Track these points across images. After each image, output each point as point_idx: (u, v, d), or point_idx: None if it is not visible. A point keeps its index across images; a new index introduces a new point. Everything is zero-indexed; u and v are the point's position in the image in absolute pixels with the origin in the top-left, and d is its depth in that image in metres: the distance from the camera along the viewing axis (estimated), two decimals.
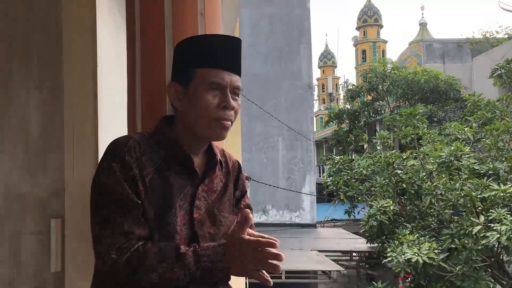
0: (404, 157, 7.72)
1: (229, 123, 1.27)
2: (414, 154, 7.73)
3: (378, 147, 18.79)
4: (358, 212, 8.82)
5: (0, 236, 1.70)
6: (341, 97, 40.55)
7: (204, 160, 1.36)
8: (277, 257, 1.13)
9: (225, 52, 1.27)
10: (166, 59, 1.51)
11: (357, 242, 11.89)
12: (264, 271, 1.17)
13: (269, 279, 1.18)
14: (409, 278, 12.22)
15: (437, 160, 6.27)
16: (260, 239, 1.16)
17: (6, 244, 1.70)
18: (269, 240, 1.16)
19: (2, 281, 1.68)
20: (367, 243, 9.36)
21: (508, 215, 5.10)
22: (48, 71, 1.75)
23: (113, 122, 1.79)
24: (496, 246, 5.74)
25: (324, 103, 46.29)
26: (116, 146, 1.27)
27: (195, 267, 1.15)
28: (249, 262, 1.14)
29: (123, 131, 1.77)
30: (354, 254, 11.70)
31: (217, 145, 1.44)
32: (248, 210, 1.20)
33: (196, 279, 1.16)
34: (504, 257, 6.64)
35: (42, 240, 1.69)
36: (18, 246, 1.69)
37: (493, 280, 6.31)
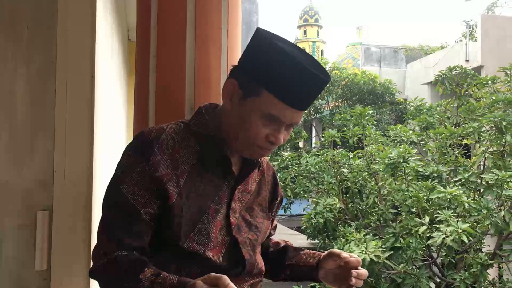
0: (351, 156, 7.88)
1: (269, 152, 1.16)
2: (359, 154, 7.90)
3: (315, 145, 19.16)
4: (304, 209, 8.91)
5: None
6: None
7: (240, 158, 1.24)
8: None
9: (304, 91, 1.07)
10: (187, 41, 1.37)
11: (296, 238, 12.02)
12: None
13: None
14: None
15: (385, 161, 6.43)
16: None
17: None
18: None
19: None
20: (307, 240, 9.48)
21: (453, 217, 5.33)
22: (39, 45, 1.55)
23: (114, 107, 1.61)
24: (438, 246, 5.99)
25: None
26: (144, 141, 1.10)
27: None
28: None
29: (128, 118, 1.61)
30: None
31: None
32: None
33: None
34: (440, 257, 6.96)
35: (27, 235, 1.50)
36: (0, 241, 1.48)
37: (426, 277, 6.58)
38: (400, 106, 17.66)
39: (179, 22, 1.37)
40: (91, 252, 1.11)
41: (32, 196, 1.51)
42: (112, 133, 1.75)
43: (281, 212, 12.04)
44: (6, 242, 1.49)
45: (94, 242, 1.55)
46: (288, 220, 19.66)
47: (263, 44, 1.08)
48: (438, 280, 7.29)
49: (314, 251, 1.40)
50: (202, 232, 1.10)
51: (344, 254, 1.25)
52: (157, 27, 1.39)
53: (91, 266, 1.10)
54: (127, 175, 1.07)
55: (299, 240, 11.43)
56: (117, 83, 1.73)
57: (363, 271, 1.23)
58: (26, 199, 1.51)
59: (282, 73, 1.05)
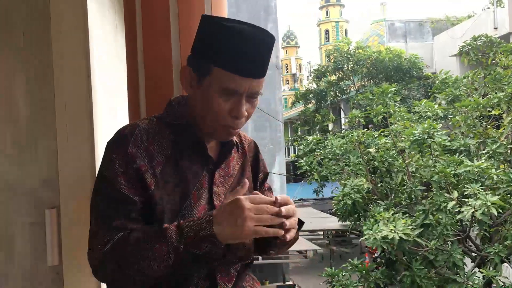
0: (376, 135, 7.80)
1: (237, 130, 1.19)
2: (385, 133, 7.81)
3: (343, 126, 19.02)
4: (332, 192, 8.89)
5: None
6: (305, 77, 40.78)
7: (219, 142, 1.27)
8: (278, 213, 1.05)
9: (251, 56, 1.10)
10: (171, 33, 1.40)
11: (328, 220, 12.05)
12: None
13: (277, 230, 1.05)
14: (375, 254, 12.53)
15: (410, 138, 6.34)
16: (256, 195, 1.06)
17: None
18: (266, 198, 1.07)
19: None
20: (339, 222, 9.48)
21: (482, 190, 5.22)
22: (36, 49, 1.60)
23: (110, 104, 1.66)
24: (468, 220, 5.89)
25: (288, 83, 46.41)
26: (120, 136, 1.16)
27: (177, 240, 1.04)
28: (244, 221, 1.02)
29: (123, 113, 1.65)
30: (327, 232, 11.88)
31: None
32: (246, 180, 1.14)
33: (181, 254, 1.05)
34: (473, 231, 6.84)
35: (37, 232, 1.57)
36: (11, 239, 1.56)
37: (461, 252, 6.49)
38: (428, 81, 17.25)
39: (162, 15, 1.40)
40: (88, 247, 1.14)
41: (39, 195, 1.57)
42: (111, 128, 1.80)
43: (313, 195, 12.04)
44: (18, 239, 1.56)
45: None
46: (321, 203, 19.68)
47: (205, 26, 1.15)
48: (474, 254, 7.18)
49: None
50: (185, 217, 1.13)
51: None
52: (142, 21, 1.42)
53: (91, 259, 1.13)
54: (112, 168, 1.12)
55: (330, 223, 11.46)
56: (121, 80, 1.78)
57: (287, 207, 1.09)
58: (34, 198, 1.57)
59: (224, 46, 1.10)
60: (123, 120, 1.65)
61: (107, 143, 1.17)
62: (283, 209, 1.06)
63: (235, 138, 1.29)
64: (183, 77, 1.19)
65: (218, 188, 1.21)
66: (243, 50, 1.09)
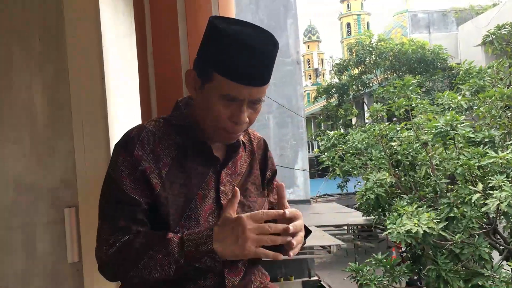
0: (398, 128, 7.71)
1: (238, 134, 1.19)
2: (408, 125, 7.72)
3: (367, 120, 18.84)
4: (355, 186, 8.83)
5: (12, 229, 1.63)
6: (327, 72, 40.54)
7: None
8: (286, 230, 1.04)
9: (251, 65, 1.08)
10: (180, 35, 1.43)
11: (351, 215, 11.99)
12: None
13: (277, 254, 1.04)
14: (402, 248, 12.41)
15: (433, 131, 6.25)
16: (258, 212, 1.05)
17: (18, 236, 1.63)
18: (272, 212, 1.06)
19: (18, 274, 1.62)
20: (363, 216, 9.42)
21: (507, 182, 5.12)
22: (51, 53, 1.66)
23: (124, 105, 1.71)
24: (494, 212, 5.79)
25: (310, 78, 46.18)
26: (127, 138, 1.18)
27: (178, 253, 1.05)
28: (245, 242, 1.02)
29: (136, 114, 1.69)
30: (352, 227, 11.82)
31: None
32: (237, 189, 1.11)
33: (181, 268, 1.06)
34: (499, 223, 6.71)
35: (57, 231, 1.63)
36: (32, 237, 1.62)
37: (488, 246, 6.38)
38: (453, 72, 16.93)
39: (170, 17, 1.42)
40: (95, 253, 1.16)
41: (58, 194, 1.63)
42: (125, 128, 1.85)
43: (337, 190, 12.00)
44: (38, 238, 1.62)
45: None
46: (346, 198, 19.56)
47: (209, 30, 1.13)
48: (501, 248, 7.05)
49: None
50: (191, 218, 1.15)
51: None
52: (151, 24, 1.45)
53: (96, 257, 1.16)
54: (118, 170, 1.14)
55: (354, 217, 11.40)
56: (133, 81, 1.82)
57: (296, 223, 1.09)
58: (53, 198, 1.62)
59: (224, 54, 1.08)
60: (136, 120, 1.70)
61: (115, 145, 1.19)
62: (290, 226, 1.06)
63: (242, 137, 1.30)
64: (188, 80, 1.19)
65: (225, 187, 1.22)
66: (244, 59, 1.07)
